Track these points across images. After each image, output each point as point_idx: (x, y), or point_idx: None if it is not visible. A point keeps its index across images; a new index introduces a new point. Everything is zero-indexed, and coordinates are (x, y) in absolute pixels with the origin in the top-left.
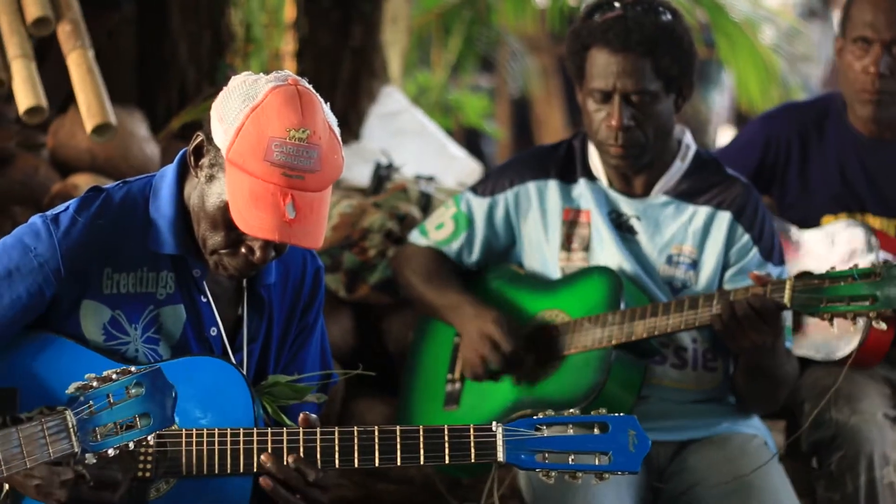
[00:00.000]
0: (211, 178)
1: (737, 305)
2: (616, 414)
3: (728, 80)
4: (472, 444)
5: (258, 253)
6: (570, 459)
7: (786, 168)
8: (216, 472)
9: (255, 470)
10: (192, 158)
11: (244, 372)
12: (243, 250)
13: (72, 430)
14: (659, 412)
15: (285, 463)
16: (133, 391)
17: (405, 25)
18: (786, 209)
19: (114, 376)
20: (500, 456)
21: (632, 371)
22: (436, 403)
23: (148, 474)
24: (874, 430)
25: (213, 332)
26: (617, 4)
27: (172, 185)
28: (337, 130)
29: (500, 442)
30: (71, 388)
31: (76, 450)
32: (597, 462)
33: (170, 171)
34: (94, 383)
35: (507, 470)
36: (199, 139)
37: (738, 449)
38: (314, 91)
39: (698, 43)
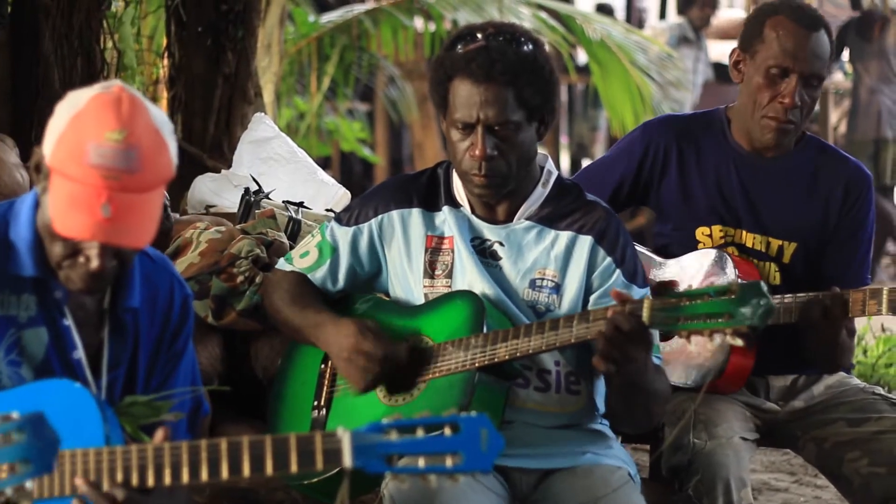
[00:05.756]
0: (45, 191)
1: (617, 319)
2: (467, 413)
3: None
4: (319, 450)
5: (94, 261)
6: (420, 462)
7: (662, 177)
8: (67, 493)
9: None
10: (35, 176)
11: (95, 392)
12: (81, 259)
13: None
14: (523, 439)
15: (105, 489)
16: (14, 437)
17: (278, 51)
18: (664, 218)
19: None
20: (348, 461)
21: (495, 393)
22: (302, 430)
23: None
24: (730, 454)
25: (76, 355)
26: (479, 35)
27: (31, 208)
28: (168, 136)
29: (346, 447)
30: None
31: None
32: (448, 463)
33: (30, 195)
34: None
35: (374, 494)
36: (37, 155)
37: (602, 479)
38: (142, 97)
39: (571, 71)
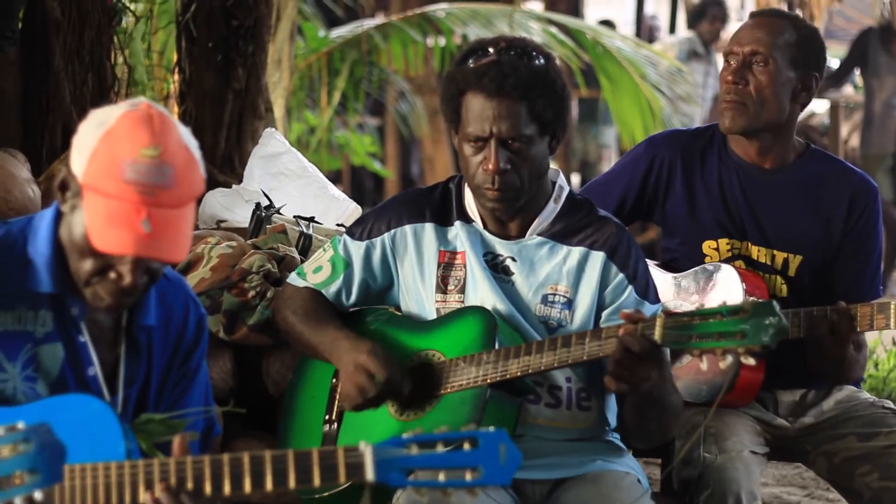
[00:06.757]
0: (73, 208)
1: (626, 340)
2: (486, 429)
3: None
4: (342, 464)
5: (127, 277)
6: (440, 476)
7: (667, 192)
8: None
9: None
10: (59, 193)
11: (115, 407)
12: (112, 275)
13: None
14: (533, 450)
15: (179, 498)
16: (21, 447)
17: (288, 66)
18: (670, 233)
19: (1, 432)
20: (370, 475)
21: (506, 409)
22: (313, 445)
23: None
24: (740, 467)
25: (92, 371)
26: (491, 50)
27: (50, 224)
28: (196, 152)
29: (369, 461)
30: None
31: None
32: (468, 478)
33: (49, 211)
34: None
35: None
36: (63, 172)
37: (612, 485)
38: (169, 114)
39: (582, 85)
